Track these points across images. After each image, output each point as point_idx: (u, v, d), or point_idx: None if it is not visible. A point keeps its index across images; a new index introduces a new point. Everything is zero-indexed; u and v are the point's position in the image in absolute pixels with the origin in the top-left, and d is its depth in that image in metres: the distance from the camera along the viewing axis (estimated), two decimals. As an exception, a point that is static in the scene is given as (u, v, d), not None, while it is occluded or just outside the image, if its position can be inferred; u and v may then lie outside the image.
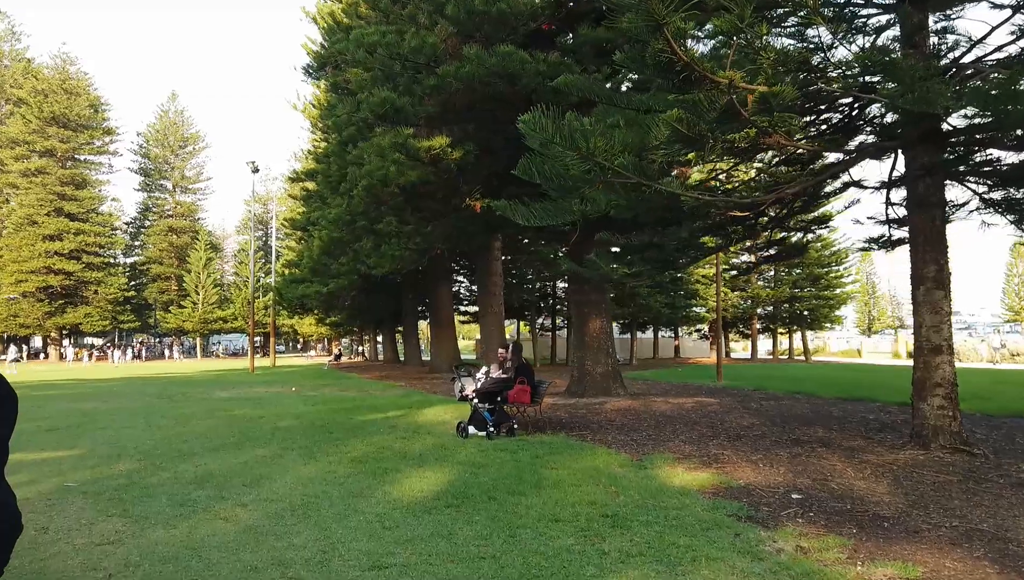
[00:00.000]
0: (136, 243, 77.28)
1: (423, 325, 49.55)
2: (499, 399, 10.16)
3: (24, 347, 65.79)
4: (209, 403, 16.85)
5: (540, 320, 46.39)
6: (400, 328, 52.43)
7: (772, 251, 15.46)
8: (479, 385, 10.32)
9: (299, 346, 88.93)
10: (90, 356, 56.29)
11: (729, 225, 10.04)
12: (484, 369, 10.62)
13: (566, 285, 44.13)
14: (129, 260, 75.37)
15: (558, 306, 43.51)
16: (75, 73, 65.45)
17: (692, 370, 31.20)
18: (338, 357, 47.69)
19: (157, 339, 79.53)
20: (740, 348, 66.09)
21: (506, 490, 6.64)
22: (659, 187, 6.75)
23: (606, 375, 16.36)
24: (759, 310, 48.01)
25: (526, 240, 32.25)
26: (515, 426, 10.11)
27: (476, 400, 10.09)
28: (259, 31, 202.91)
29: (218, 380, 27.82)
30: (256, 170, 35.10)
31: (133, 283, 70.91)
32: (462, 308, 45.50)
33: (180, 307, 68.79)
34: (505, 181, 15.08)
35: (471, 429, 10.06)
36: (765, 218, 10.44)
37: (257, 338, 74.07)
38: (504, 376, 10.34)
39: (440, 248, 21.46)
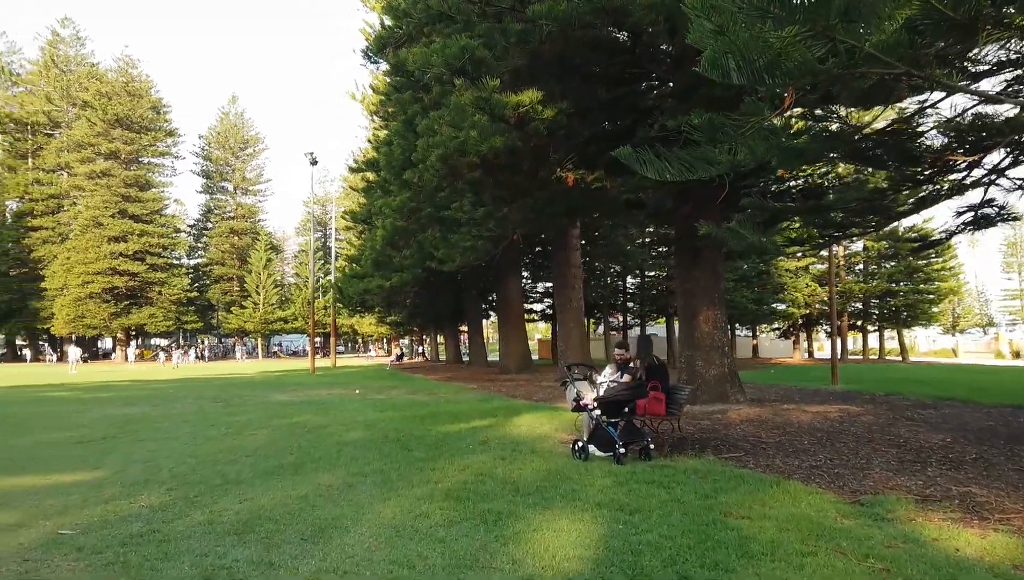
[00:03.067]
0: (199, 245, 77.65)
1: (485, 323, 47.55)
2: (627, 410, 7.81)
3: (94, 348, 66.52)
4: (267, 408, 14.98)
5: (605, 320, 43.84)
6: (463, 327, 50.57)
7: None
8: (600, 390, 7.97)
9: (358, 346, 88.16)
10: (156, 356, 56.12)
11: (942, 173, 7.46)
12: (608, 370, 8.27)
13: (639, 280, 41.56)
14: (193, 262, 75.74)
15: (630, 303, 40.85)
16: (137, 76, 65.84)
17: (785, 371, 28.20)
18: (400, 357, 46.07)
19: (219, 339, 79.77)
20: (816, 348, 61.97)
21: (698, 561, 4.29)
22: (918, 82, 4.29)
23: (721, 378, 13.81)
24: (848, 306, 44.28)
25: (605, 226, 29.83)
26: (651, 446, 7.72)
27: (597, 411, 7.75)
28: (317, 32, 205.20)
29: (278, 382, 26.22)
30: (315, 162, 33.59)
31: (196, 284, 71.03)
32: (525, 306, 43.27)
33: (242, 308, 68.53)
34: (605, 146, 12.75)
35: (591, 449, 7.75)
36: (979, 171, 7.79)
37: (317, 338, 73.49)
38: (632, 382, 7.97)
39: (517, 234, 19.25)
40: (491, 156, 12.64)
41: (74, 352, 41.24)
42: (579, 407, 8.06)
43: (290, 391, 20.58)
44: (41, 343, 70.15)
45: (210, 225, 77.61)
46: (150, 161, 67.95)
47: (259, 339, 70.40)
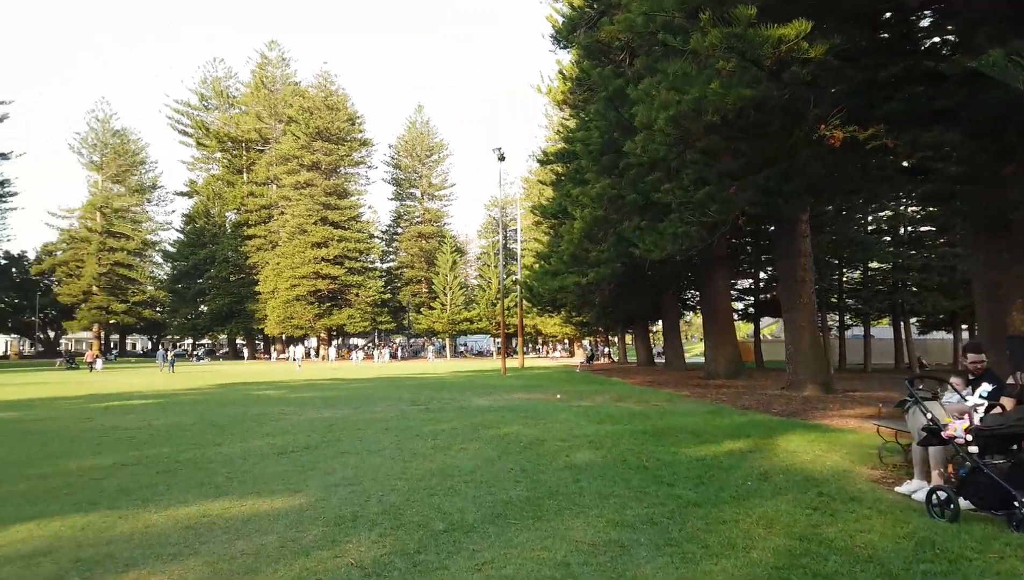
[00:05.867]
0: (391, 249, 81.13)
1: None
2: (1016, 447, 5.19)
3: (302, 347, 71.36)
4: (469, 415, 13.61)
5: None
6: (654, 327, 47.86)
7: None
8: (977, 418, 5.39)
9: (541, 347, 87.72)
10: (352, 355, 58.89)
11: None
12: (955, 384, 5.68)
13: (858, 273, 36.56)
14: (385, 265, 79.26)
15: (847, 299, 36.00)
16: (335, 90, 69.80)
17: None
18: (591, 359, 44.28)
19: (410, 339, 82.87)
20: None
21: None
22: None
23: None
24: None
25: (827, 211, 26.10)
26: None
27: (974, 448, 5.19)
28: (497, 38, 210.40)
29: (471, 383, 25.32)
30: (502, 158, 32.67)
31: (388, 286, 74.11)
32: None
33: (430, 309, 70.41)
34: (879, 96, 9.94)
35: (963, 503, 5.21)
36: None
37: (500, 339, 73.91)
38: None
39: (741, 219, 16.57)
40: (734, 114, 10.24)
41: (299, 351, 43.77)
42: (934, 439, 5.53)
43: (486, 394, 19.32)
44: (257, 342, 76.57)
45: (400, 230, 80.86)
46: (346, 171, 71.84)
47: (447, 339, 71.92)
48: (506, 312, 62.51)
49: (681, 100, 10.45)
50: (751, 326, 43.95)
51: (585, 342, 69.88)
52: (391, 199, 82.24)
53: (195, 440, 10.29)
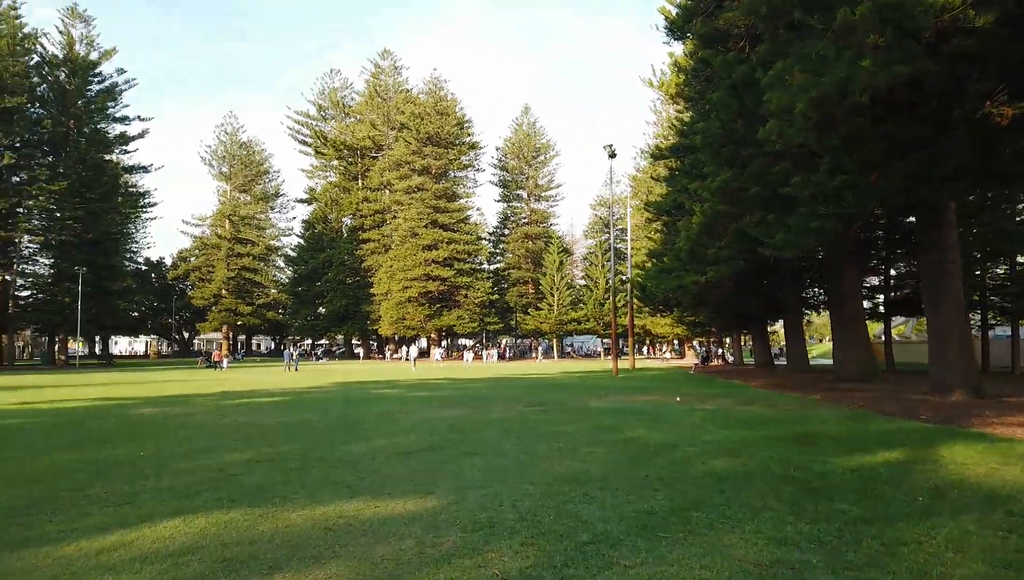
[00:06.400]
0: (497, 250, 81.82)
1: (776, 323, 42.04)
2: None
3: (416, 347, 73.09)
4: (588, 417, 13.24)
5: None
6: (771, 327, 45.70)
7: None
8: None
9: (648, 348, 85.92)
10: (463, 356, 59.76)
11: None
12: None
13: (1003, 270, 33.35)
14: (492, 266, 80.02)
15: (992, 296, 32.91)
16: (444, 95, 71.14)
17: None
18: (705, 360, 42.80)
19: (517, 340, 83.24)
20: None
21: None
22: None
23: None
24: None
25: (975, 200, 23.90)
26: None
27: None
28: (601, 36, 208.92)
29: (583, 384, 24.91)
30: (613, 155, 32.02)
31: (496, 287, 74.77)
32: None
33: (537, 309, 70.42)
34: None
35: None
36: None
37: (607, 340, 72.88)
38: None
39: (878, 209, 15.36)
40: (884, 93, 9.34)
41: (414, 351, 44.91)
42: None
43: (601, 395, 18.86)
44: (371, 342, 79.23)
45: (507, 231, 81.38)
46: (455, 174, 73.09)
47: (554, 339, 71.74)
48: (616, 312, 61.66)
49: (822, 81, 9.64)
50: (878, 325, 41.13)
51: (696, 343, 67.86)
52: (498, 201, 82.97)
53: (323, 438, 10.47)
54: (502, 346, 74.63)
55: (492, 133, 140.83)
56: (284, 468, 7.87)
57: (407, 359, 43.40)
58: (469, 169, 75.27)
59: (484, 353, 61.08)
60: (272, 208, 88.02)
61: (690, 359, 62.03)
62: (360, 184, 76.05)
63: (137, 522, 5.45)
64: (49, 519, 5.60)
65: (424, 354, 71.51)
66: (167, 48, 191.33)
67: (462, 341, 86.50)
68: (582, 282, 79.18)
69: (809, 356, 38.45)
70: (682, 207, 26.73)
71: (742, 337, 52.46)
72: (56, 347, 61.80)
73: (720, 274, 22.63)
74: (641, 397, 18.35)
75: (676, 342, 76.26)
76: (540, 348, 69.03)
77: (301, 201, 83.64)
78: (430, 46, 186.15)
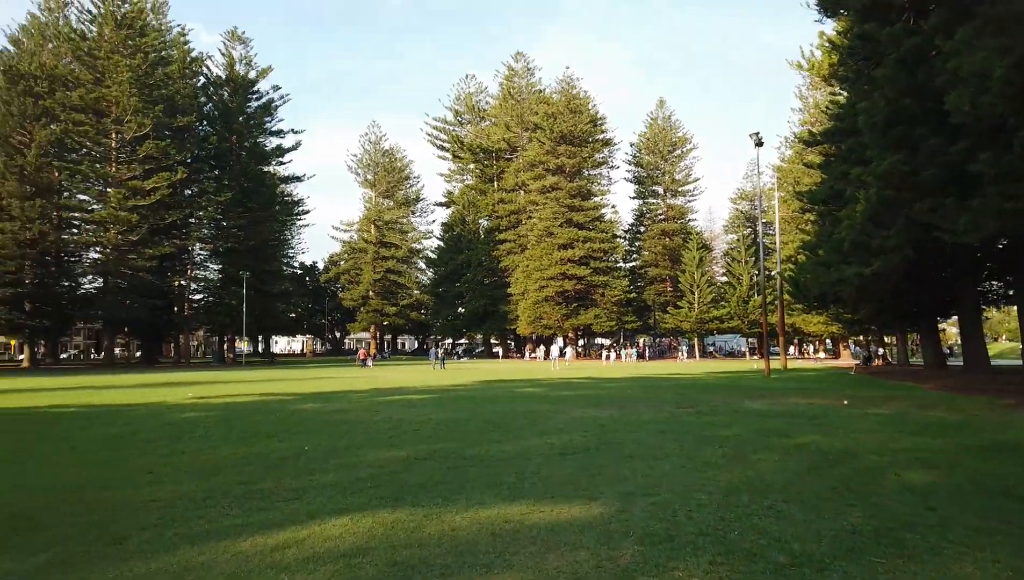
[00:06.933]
0: (633, 248, 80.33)
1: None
2: None
3: (556, 346, 73.17)
4: (747, 419, 12.39)
5: None
6: (942, 324, 41.61)
7: None
8: None
9: (794, 347, 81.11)
10: (601, 355, 59.10)
11: None
12: None
13: None
14: (628, 265, 78.68)
15: None
16: (576, 93, 70.76)
17: None
18: (868, 360, 39.72)
19: (656, 339, 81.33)
20: None
21: None
22: None
23: None
24: None
25: None
26: None
27: None
28: (735, 23, 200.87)
29: (734, 384, 23.66)
30: (760, 143, 30.28)
31: (633, 286, 73.42)
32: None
33: (676, 307, 68.46)
34: None
35: None
36: None
37: (752, 339, 69.54)
38: None
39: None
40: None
41: (555, 350, 44.95)
42: None
43: (757, 397, 17.75)
44: (508, 342, 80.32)
45: (643, 228, 79.73)
46: (589, 172, 72.52)
47: (695, 339, 69.45)
48: (758, 310, 58.62)
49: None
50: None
51: (851, 342, 63.25)
52: (633, 197, 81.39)
53: (475, 436, 10.39)
54: (640, 345, 73.18)
55: (626, 129, 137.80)
56: (442, 467, 7.79)
57: (550, 357, 43.39)
58: (603, 166, 74.45)
59: (623, 352, 60.06)
60: (413, 212, 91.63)
61: (846, 359, 57.89)
62: (496, 186, 77.26)
63: (307, 519, 5.47)
64: (226, 512, 5.75)
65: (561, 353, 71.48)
66: (312, 62, 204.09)
67: (599, 340, 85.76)
68: (723, 279, 76.13)
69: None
70: (840, 195, 24.77)
71: (907, 336, 48.25)
72: (225, 346, 67.38)
73: (887, 265, 20.73)
74: (802, 399, 17.10)
75: (829, 341, 71.58)
76: (683, 347, 67.03)
77: (440, 204, 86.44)
78: (557, 43, 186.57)
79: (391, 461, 8.23)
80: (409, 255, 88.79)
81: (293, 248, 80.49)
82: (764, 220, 61.33)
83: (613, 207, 74.56)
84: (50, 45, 57.02)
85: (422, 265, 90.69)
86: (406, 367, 48.02)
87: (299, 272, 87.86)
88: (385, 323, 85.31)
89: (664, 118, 79.79)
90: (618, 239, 74.42)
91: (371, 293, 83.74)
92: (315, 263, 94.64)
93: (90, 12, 56.66)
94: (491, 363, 56.41)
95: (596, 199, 71.04)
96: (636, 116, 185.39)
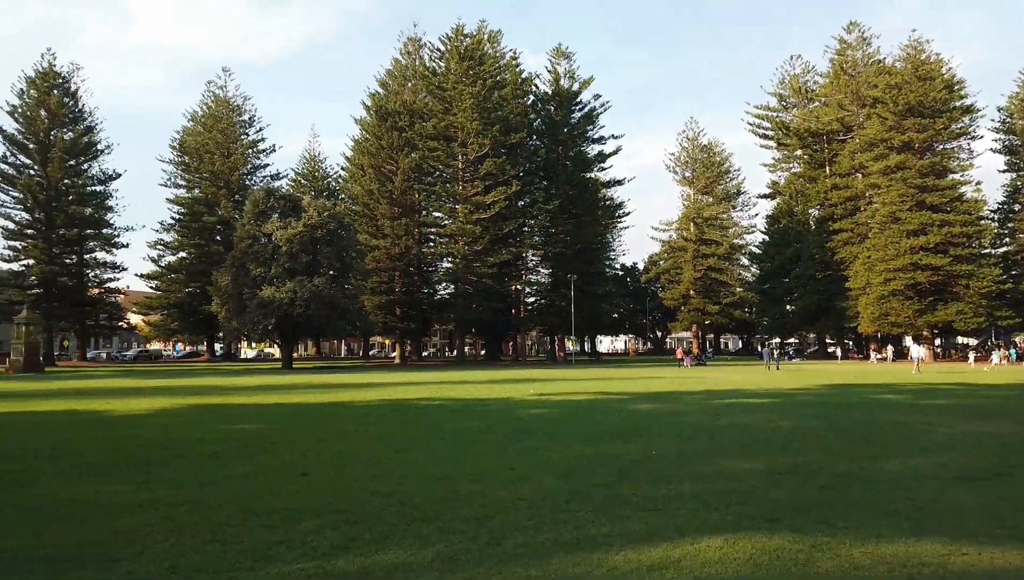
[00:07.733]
0: (1005, 230, 66.97)
1: None
2: None
3: (917, 346, 64.44)
4: None
5: None
6: None
7: None
8: None
9: None
10: (967, 358, 50.31)
11: None
12: None
13: None
14: (1000, 250, 65.84)
15: None
16: (926, 58, 61.38)
17: None
18: None
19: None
20: None
21: None
22: None
23: None
24: None
25: None
26: None
27: None
28: None
29: None
30: None
31: (1007, 275, 61.07)
32: None
33: (1072, 299, 55.52)
34: None
35: None
36: None
37: None
38: None
39: None
40: None
41: (916, 350, 39.67)
42: None
43: None
44: (847, 341, 72.83)
45: (1018, 207, 66.26)
46: (944, 146, 62.42)
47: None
48: None
49: None
50: None
51: None
52: (1003, 171, 67.93)
53: (839, 449, 9.21)
54: (1020, 345, 60.67)
55: (991, 92, 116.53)
56: (810, 485, 6.91)
57: (910, 359, 37.94)
58: (961, 137, 63.32)
59: (995, 354, 50.37)
60: (734, 207, 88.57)
61: None
62: (827, 171, 70.60)
63: (675, 535, 5.11)
64: (591, 519, 5.64)
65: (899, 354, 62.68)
66: (625, 68, 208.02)
67: (960, 339, 73.65)
68: None
69: None
70: None
71: None
72: (555, 345, 71.92)
73: None
74: None
75: None
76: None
77: (763, 197, 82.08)
78: (895, 10, 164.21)
79: (749, 473, 7.58)
80: (731, 251, 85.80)
81: (615, 250, 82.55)
82: None
83: (977, 184, 62.59)
84: (409, 84, 66.84)
85: (745, 261, 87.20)
86: (735, 367, 46.06)
87: (620, 273, 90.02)
88: (707, 322, 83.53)
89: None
90: (985, 221, 62.79)
91: (691, 292, 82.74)
92: (635, 264, 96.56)
93: (439, 50, 65.37)
94: (829, 365, 51.49)
95: (954, 176, 60.83)
96: (1003, 76, 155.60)
